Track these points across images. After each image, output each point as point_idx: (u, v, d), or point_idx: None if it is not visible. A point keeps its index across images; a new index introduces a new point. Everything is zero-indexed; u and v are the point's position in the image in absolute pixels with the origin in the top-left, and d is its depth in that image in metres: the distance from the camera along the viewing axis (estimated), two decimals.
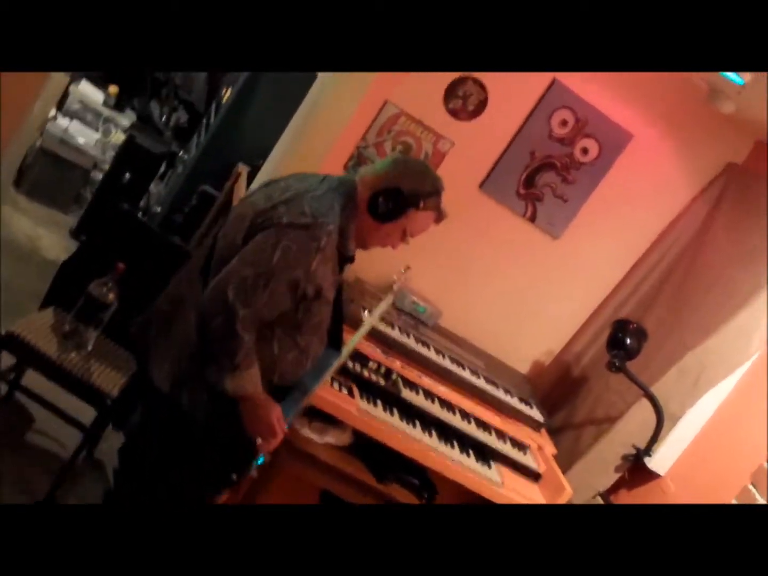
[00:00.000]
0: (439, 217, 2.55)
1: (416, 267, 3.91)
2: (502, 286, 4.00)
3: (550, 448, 3.85)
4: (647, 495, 3.54)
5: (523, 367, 4.17)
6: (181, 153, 5.43)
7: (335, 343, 2.73)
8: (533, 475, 3.73)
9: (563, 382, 4.08)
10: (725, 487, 3.17)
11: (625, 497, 3.61)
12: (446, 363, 3.67)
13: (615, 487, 3.66)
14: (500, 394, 3.74)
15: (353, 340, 2.85)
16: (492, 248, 3.95)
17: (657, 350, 3.64)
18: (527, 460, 3.76)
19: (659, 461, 3.53)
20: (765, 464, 3.05)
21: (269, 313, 2.34)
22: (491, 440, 3.62)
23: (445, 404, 3.56)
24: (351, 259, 2.55)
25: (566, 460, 3.85)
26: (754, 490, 3.04)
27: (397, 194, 2.42)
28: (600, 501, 3.58)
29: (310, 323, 2.46)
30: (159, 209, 5.26)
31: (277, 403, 2.50)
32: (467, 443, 3.50)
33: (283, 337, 2.42)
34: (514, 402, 3.76)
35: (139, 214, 4.90)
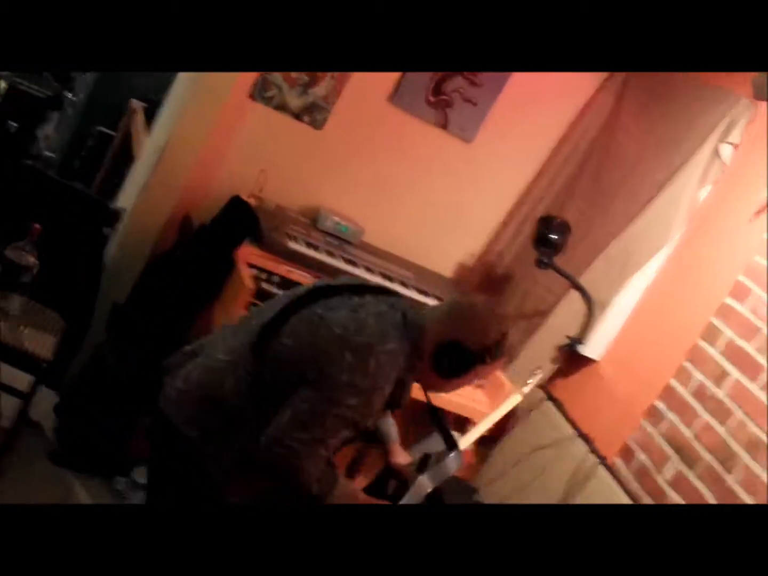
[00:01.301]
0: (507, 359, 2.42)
1: (336, 186, 3.94)
2: (421, 196, 4.02)
3: None
4: (585, 382, 3.67)
5: (450, 272, 4.23)
6: (67, 93, 5.18)
7: (449, 441, 2.61)
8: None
9: (489, 282, 4.15)
10: (662, 367, 3.31)
11: (563, 387, 3.74)
12: (376, 278, 3.69)
13: (552, 377, 3.78)
14: (432, 302, 3.80)
15: (473, 434, 2.83)
16: (408, 159, 3.94)
17: (581, 241, 3.73)
18: None
19: (594, 348, 3.65)
20: (699, 342, 3.20)
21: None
22: None
23: None
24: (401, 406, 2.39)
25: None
26: (690, 367, 3.19)
27: (463, 352, 2.22)
28: (540, 393, 3.70)
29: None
30: (52, 155, 5.04)
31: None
32: None
33: None
34: None
35: (32, 162, 4.69)
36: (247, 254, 3.44)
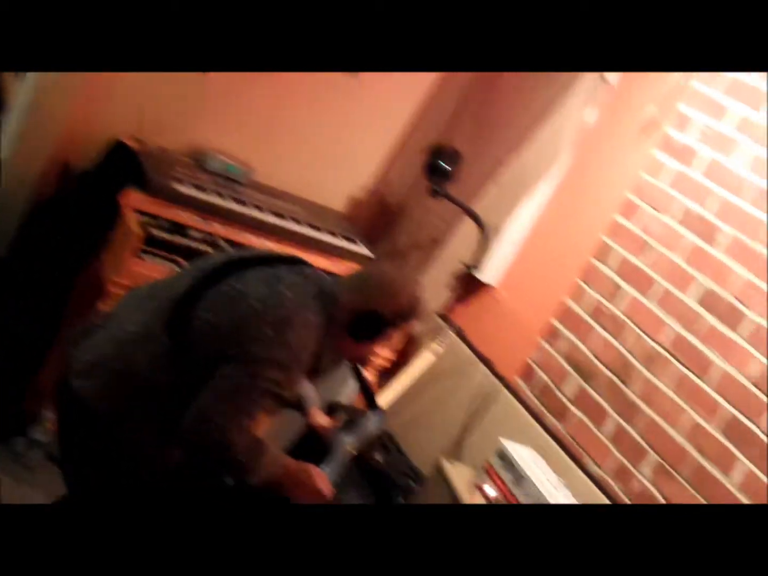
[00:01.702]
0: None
1: (221, 126, 3.83)
2: (309, 132, 3.94)
3: None
4: (483, 307, 3.71)
5: (342, 206, 4.19)
6: None
7: (371, 401, 2.72)
8: None
9: (382, 214, 4.14)
10: (557, 287, 3.37)
11: (462, 313, 3.77)
12: (267, 217, 3.64)
13: (451, 304, 3.81)
14: (326, 237, 3.78)
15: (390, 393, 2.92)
16: (294, 95, 3.85)
17: (472, 168, 3.74)
18: None
19: (489, 273, 3.69)
20: (593, 260, 3.27)
21: None
22: None
23: None
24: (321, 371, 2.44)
25: None
26: (585, 286, 3.27)
27: (378, 319, 2.31)
28: (440, 320, 3.73)
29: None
30: None
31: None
32: None
33: None
34: (339, 242, 3.82)
35: None
36: (134, 200, 3.31)
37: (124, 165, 3.38)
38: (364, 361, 2.60)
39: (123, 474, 2.27)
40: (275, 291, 2.21)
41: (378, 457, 3.22)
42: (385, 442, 3.36)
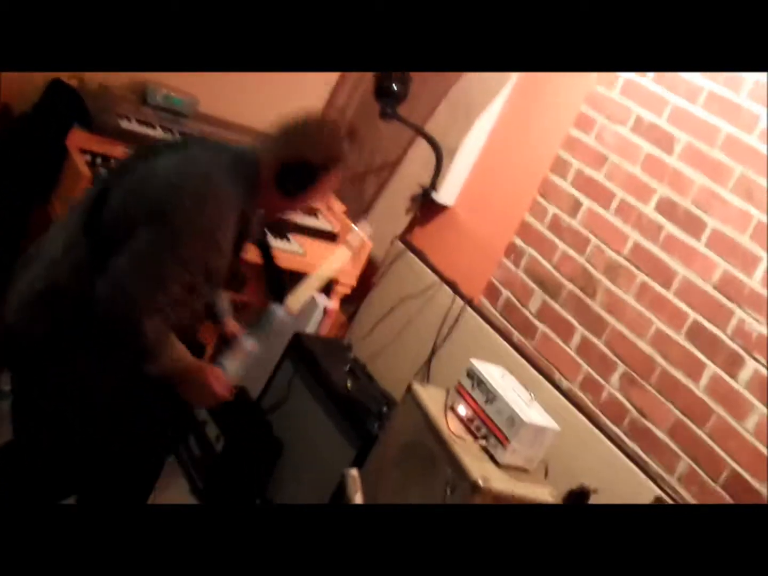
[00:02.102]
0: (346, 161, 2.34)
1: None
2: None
3: (338, 206, 3.93)
4: (442, 228, 3.70)
5: None
6: None
7: (278, 294, 2.58)
8: (330, 237, 3.82)
9: None
10: (516, 204, 3.37)
11: (422, 236, 3.76)
12: None
13: (410, 228, 3.80)
14: None
15: (303, 291, 2.70)
16: None
17: (422, 89, 3.69)
18: (320, 223, 3.83)
19: (446, 194, 3.67)
20: (550, 175, 3.26)
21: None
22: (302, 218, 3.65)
23: None
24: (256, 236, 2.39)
25: (357, 214, 3.94)
26: (544, 202, 3.26)
27: (308, 166, 2.21)
28: (400, 245, 3.72)
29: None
30: None
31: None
32: None
33: None
34: None
35: None
36: (79, 140, 3.24)
37: (66, 104, 3.27)
38: (283, 216, 2.49)
39: (75, 402, 2.20)
40: (189, 164, 2.13)
41: (349, 385, 3.23)
42: (355, 369, 3.37)
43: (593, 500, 2.38)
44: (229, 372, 2.39)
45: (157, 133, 3.45)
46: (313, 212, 3.79)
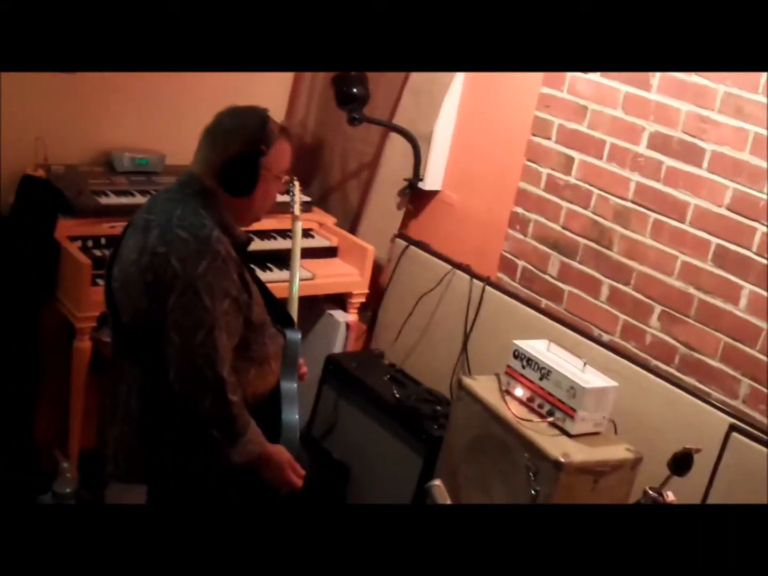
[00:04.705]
0: (285, 133, 2.26)
1: (115, 123, 3.65)
2: (199, 99, 3.70)
3: (329, 219, 3.91)
4: (438, 215, 3.70)
5: None
6: None
7: (285, 321, 2.48)
8: (331, 252, 3.81)
9: (302, 154, 4.03)
10: (506, 174, 3.38)
11: (417, 226, 3.77)
12: None
13: (406, 222, 3.79)
14: None
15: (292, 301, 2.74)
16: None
17: (379, 84, 3.67)
18: (318, 242, 3.81)
19: (432, 180, 3.66)
20: (533, 138, 3.26)
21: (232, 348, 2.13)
22: (278, 244, 3.61)
23: None
24: (248, 242, 2.28)
25: (349, 222, 3.93)
26: (534, 166, 3.27)
27: (239, 163, 2.14)
28: (401, 242, 3.72)
29: (253, 329, 2.22)
30: None
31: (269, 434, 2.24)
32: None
33: (236, 362, 2.16)
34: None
35: None
36: (64, 229, 3.19)
37: (43, 199, 3.22)
38: (264, 211, 2.35)
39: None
40: (156, 235, 2.09)
41: (396, 393, 3.24)
42: (396, 376, 3.38)
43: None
44: (293, 440, 2.31)
45: (137, 199, 3.41)
46: (307, 234, 3.77)
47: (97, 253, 3.20)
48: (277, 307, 2.46)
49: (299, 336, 2.48)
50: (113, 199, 3.38)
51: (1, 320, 3.23)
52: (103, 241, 3.26)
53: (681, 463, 1.98)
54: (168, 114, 3.75)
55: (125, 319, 2.16)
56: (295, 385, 2.38)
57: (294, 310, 2.83)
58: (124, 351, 2.21)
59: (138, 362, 2.16)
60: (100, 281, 3.08)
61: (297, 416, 2.35)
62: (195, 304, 2.03)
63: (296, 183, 3.04)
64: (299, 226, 3.01)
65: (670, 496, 2.01)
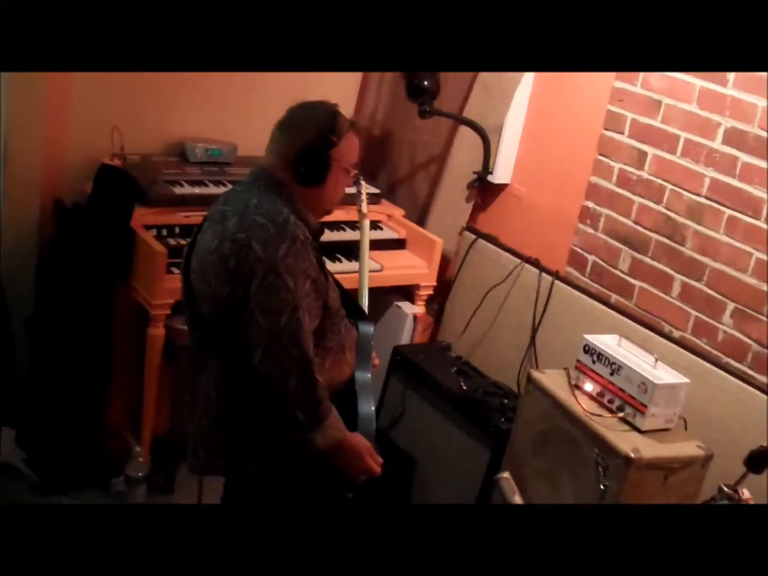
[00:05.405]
0: (354, 127, 2.31)
1: (189, 113, 3.71)
2: (274, 90, 3.78)
3: (398, 212, 3.93)
4: (507, 209, 3.70)
5: None
6: None
7: (357, 313, 2.51)
8: (399, 244, 3.84)
9: (371, 146, 4.07)
10: (577, 168, 3.36)
11: (485, 219, 3.77)
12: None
13: (474, 215, 3.80)
14: None
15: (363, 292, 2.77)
16: None
17: (448, 76, 3.68)
18: (386, 233, 3.84)
19: (501, 174, 3.66)
20: (605, 132, 3.24)
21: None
22: (348, 235, 3.64)
23: None
24: (320, 232, 2.33)
25: (417, 215, 3.95)
26: (606, 160, 3.25)
27: (310, 153, 2.19)
28: (469, 234, 3.72)
29: (330, 315, 2.27)
30: None
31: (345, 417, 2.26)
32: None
33: (314, 351, 2.19)
34: None
35: None
36: (139, 218, 3.27)
37: (120, 188, 3.30)
38: (335, 203, 2.37)
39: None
40: (234, 223, 2.14)
41: (463, 385, 3.25)
42: (463, 368, 3.39)
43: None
44: (371, 419, 2.34)
45: (209, 189, 3.47)
46: (376, 226, 3.80)
47: (172, 242, 3.26)
48: (348, 299, 2.49)
49: (372, 328, 2.50)
50: (186, 189, 3.44)
51: (77, 305, 3.32)
52: (177, 230, 3.33)
53: (758, 460, 1.97)
54: (239, 107, 3.81)
55: (205, 309, 2.20)
56: (369, 376, 2.41)
57: (364, 303, 2.86)
58: (202, 343, 2.26)
59: (217, 353, 2.21)
60: (175, 270, 3.18)
61: (373, 408, 2.38)
62: (278, 287, 2.07)
63: (362, 181, 3.06)
64: (367, 224, 3.03)
65: (745, 494, 1.99)
